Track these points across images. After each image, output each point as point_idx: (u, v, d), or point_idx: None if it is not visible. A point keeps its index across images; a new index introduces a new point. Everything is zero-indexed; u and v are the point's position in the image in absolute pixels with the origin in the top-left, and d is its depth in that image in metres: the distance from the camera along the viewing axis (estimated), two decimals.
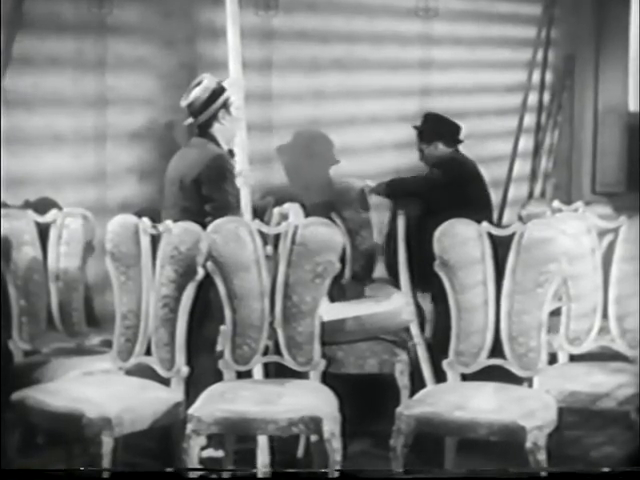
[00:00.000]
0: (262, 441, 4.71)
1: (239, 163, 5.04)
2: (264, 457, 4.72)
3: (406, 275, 5.26)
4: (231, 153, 5.10)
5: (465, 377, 4.58)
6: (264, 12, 6.04)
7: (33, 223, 5.07)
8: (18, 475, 4.06)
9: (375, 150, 6.61)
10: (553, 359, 4.81)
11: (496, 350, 4.56)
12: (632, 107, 8.41)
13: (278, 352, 4.62)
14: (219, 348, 4.75)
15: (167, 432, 4.36)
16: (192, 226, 4.55)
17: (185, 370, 4.46)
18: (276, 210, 5.09)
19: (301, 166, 6.02)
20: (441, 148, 5.96)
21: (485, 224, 4.61)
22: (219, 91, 5.01)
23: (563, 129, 8.26)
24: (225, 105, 5.03)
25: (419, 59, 6.96)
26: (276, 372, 4.73)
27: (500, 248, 4.59)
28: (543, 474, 4.12)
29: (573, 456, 4.99)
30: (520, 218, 5.59)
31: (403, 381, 4.97)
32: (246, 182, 5.03)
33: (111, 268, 4.61)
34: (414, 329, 5.14)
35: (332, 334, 4.85)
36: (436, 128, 5.98)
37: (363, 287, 5.59)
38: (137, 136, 5.56)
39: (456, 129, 6.01)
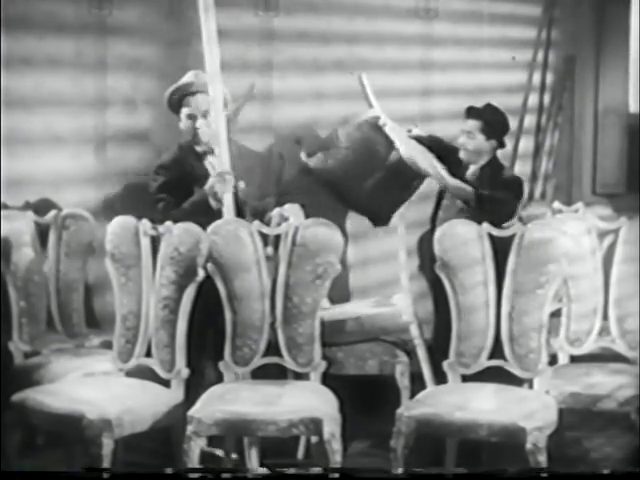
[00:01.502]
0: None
1: (219, 166, 4.93)
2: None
3: (406, 276, 5.25)
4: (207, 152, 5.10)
5: (465, 378, 4.58)
6: (264, 13, 6.03)
7: (33, 224, 5.07)
8: (18, 476, 4.06)
9: None
10: (553, 360, 4.81)
11: (496, 351, 4.56)
12: (632, 108, 8.41)
13: (278, 353, 4.62)
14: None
15: (167, 433, 4.36)
16: (192, 227, 4.55)
17: (185, 371, 4.46)
18: (276, 211, 5.08)
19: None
20: (489, 147, 5.58)
21: (485, 225, 4.61)
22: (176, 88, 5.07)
23: (563, 130, 8.24)
24: (175, 104, 5.09)
25: (419, 60, 6.95)
26: (277, 373, 4.73)
27: (500, 249, 4.59)
28: (543, 475, 4.12)
29: (573, 457, 4.99)
30: (520, 219, 5.57)
31: (403, 382, 4.96)
32: (224, 187, 4.86)
33: (111, 269, 4.61)
34: (414, 330, 5.13)
35: (332, 335, 4.85)
36: (499, 125, 5.62)
37: None
38: (137, 137, 5.56)
39: (508, 130, 5.72)
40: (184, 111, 5.08)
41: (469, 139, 5.56)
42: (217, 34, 4.89)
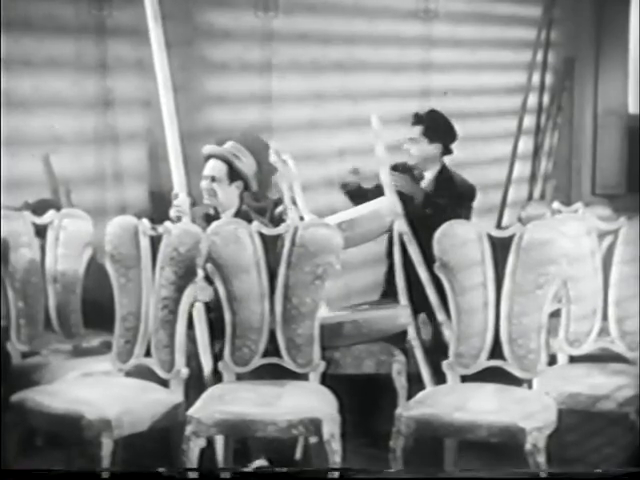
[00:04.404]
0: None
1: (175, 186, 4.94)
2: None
3: (402, 279, 5.24)
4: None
5: (465, 378, 4.58)
6: (264, 14, 6.04)
7: (31, 225, 5.07)
8: (17, 476, 4.06)
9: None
10: (553, 361, 4.81)
11: (496, 352, 4.55)
12: (631, 109, 8.42)
13: (278, 354, 4.62)
14: None
15: (166, 434, 4.36)
16: (192, 228, 4.55)
17: (185, 372, 4.46)
18: (276, 211, 5.09)
19: None
20: (433, 150, 5.65)
21: (485, 225, 4.61)
22: None
23: (563, 131, 8.26)
24: None
25: (419, 61, 6.96)
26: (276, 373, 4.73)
27: (500, 250, 4.59)
28: (543, 475, 4.12)
29: (573, 458, 4.98)
30: (520, 220, 5.57)
31: (400, 381, 4.96)
32: (180, 213, 4.90)
33: (111, 270, 4.61)
34: (411, 332, 5.13)
35: (330, 338, 4.84)
36: (441, 129, 5.69)
37: None
38: (137, 138, 5.56)
39: (454, 137, 5.75)
40: None
41: (412, 144, 5.62)
42: (165, 43, 4.91)
